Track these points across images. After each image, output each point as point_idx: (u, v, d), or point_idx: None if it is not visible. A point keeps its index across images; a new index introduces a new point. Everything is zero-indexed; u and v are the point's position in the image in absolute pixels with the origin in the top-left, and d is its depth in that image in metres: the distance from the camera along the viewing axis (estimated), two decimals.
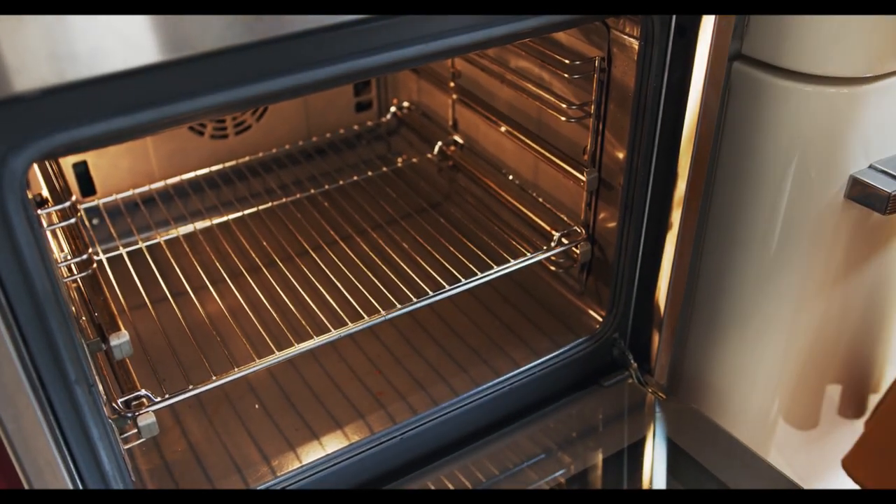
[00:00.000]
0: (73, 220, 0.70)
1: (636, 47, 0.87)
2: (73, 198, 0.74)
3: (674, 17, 0.84)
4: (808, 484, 0.98)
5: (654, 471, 1.00)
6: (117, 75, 0.57)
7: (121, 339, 0.74)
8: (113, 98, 0.58)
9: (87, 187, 1.22)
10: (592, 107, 0.97)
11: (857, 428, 1.27)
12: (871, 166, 0.93)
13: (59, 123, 0.57)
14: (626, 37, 0.88)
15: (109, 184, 1.24)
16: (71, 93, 0.56)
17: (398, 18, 0.68)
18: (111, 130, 0.59)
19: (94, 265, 0.73)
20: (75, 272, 0.78)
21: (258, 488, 0.89)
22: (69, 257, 0.77)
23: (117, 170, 1.23)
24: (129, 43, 0.56)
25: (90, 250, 0.73)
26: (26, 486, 0.67)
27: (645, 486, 0.98)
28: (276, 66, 0.64)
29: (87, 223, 1.20)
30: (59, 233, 0.81)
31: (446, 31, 0.71)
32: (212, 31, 0.59)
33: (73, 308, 0.69)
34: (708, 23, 0.84)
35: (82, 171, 1.21)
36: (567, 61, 0.97)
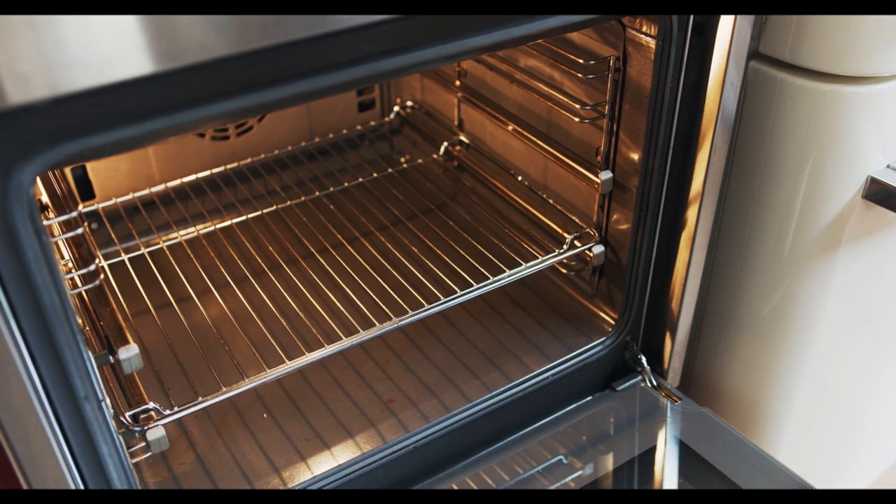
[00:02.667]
0: (79, 231, 0.68)
1: (652, 46, 0.85)
2: (80, 207, 0.71)
3: (691, 16, 0.82)
4: (819, 484, 0.97)
5: (667, 474, 0.99)
6: (128, 83, 0.55)
7: (130, 352, 0.72)
8: (124, 106, 0.56)
9: (86, 191, 1.20)
10: (606, 107, 0.95)
11: (868, 429, 1.26)
12: (889, 166, 0.92)
13: (67, 133, 0.55)
14: (642, 36, 0.87)
15: (108, 187, 1.21)
16: (80, 102, 0.54)
17: (414, 20, 0.66)
18: (122, 139, 0.57)
19: (102, 276, 0.71)
20: (80, 284, 0.76)
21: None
22: (72, 267, 0.75)
23: (116, 173, 1.20)
24: (139, 50, 0.54)
25: (97, 261, 0.71)
26: None
27: (657, 488, 0.97)
28: (290, 71, 0.62)
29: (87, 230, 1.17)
30: (63, 242, 0.78)
31: (462, 33, 0.69)
32: (224, 38, 0.57)
33: (80, 320, 0.67)
34: (725, 21, 0.83)
35: (80, 175, 1.18)
36: (581, 61, 0.96)
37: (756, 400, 1.10)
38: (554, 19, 0.73)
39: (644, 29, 0.86)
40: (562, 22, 0.74)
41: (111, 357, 0.73)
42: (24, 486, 0.63)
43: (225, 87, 0.60)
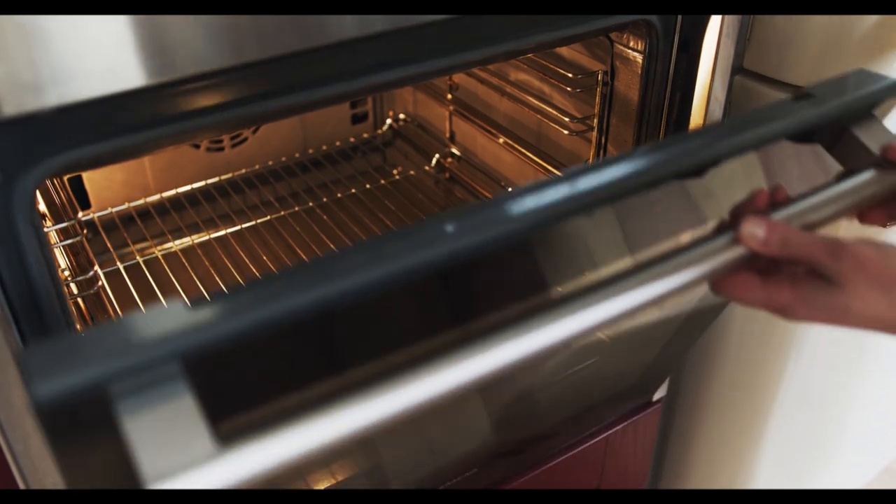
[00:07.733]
0: (78, 238, 0.69)
1: (639, 61, 0.87)
2: (79, 214, 0.73)
3: (677, 31, 0.84)
4: (804, 486, 0.99)
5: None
6: (129, 94, 0.56)
7: None
8: (125, 116, 0.58)
9: (82, 200, 1.21)
10: (595, 120, 0.97)
11: (853, 431, 1.28)
12: None
13: (70, 141, 0.57)
14: (629, 51, 0.89)
15: (104, 197, 1.22)
16: (83, 111, 0.55)
17: (406, 36, 0.67)
18: (122, 147, 0.59)
19: (100, 283, 0.72)
20: (76, 291, 0.77)
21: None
22: (69, 275, 0.76)
23: (112, 182, 1.22)
24: (139, 62, 0.56)
25: (95, 268, 0.72)
26: None
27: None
28: (285, 83, 0.64)
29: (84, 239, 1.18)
30: (60, 251, 0.80)
31: (453, 49, 0.71)
32: (221, 50, 0.58)
33: (78, 327, 0.68)
34: (711, 37, 0.85)
35: (76, 184, 1.19)
36: (570, 75, 0.98)
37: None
38: (542, 35, 0.74)
39: (631, 44, 0.88)
40: (550, 37, 0.75)
41: None
42: (22, 486, 0.64)
43: (221, 99, 0.62)
